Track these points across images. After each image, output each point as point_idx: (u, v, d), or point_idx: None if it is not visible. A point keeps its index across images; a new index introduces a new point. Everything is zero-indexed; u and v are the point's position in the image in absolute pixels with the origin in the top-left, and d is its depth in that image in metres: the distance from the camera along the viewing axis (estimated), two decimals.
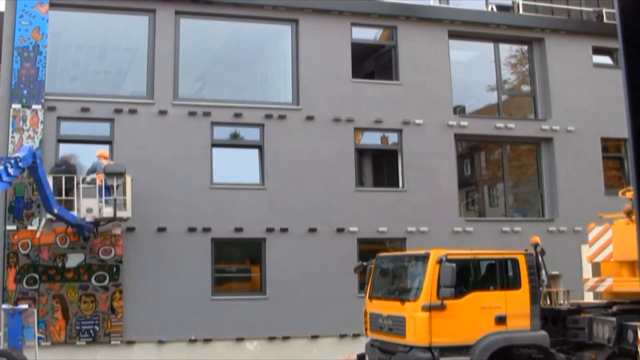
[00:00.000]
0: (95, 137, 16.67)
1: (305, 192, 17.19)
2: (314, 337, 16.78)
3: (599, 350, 11.64)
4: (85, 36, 17.86)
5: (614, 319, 11.46)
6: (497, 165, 20.48)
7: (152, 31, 17.02)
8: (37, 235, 15.10)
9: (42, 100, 15.90)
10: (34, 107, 15.82)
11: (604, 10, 20.91)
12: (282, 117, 17.42)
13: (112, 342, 15.57)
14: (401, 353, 11.10)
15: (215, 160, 16.98)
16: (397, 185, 18.29)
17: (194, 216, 16.41)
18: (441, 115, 18.50)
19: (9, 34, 16.08)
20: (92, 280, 15.61)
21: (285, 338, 16.60)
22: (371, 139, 18.89)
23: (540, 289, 12.03)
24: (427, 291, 10.84)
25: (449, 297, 10.70)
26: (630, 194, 13.32)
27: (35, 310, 14.58)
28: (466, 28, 19.31)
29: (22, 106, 15.79)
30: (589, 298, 14.19)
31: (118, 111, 16.38)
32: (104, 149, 15.88)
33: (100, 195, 14.77)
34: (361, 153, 18.64)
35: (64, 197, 14.70)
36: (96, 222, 15.13)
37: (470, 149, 20.73)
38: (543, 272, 12.08)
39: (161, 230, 16.22)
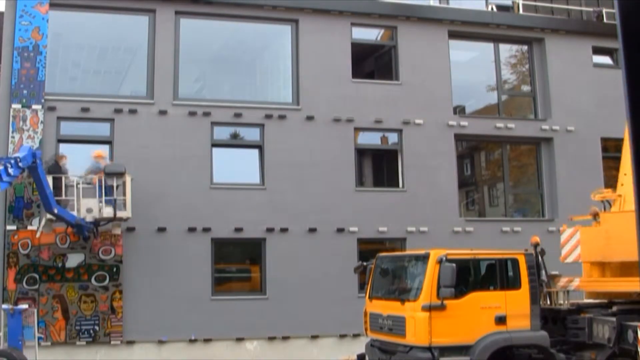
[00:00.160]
0: (95, 137, 16.67)
1: (305, 192, 17.19)
2: (314, 337, 16.78)
3: (599, 350, 11.64)
4: (85, 36, 17.86)
5: (614, 319, 11.46)
6: (497, 165, 20.48)
7: (152, 31, 17.02)
8: (37, 235, 15.10)
9: (42, 100, 15.90)
10: (34, 107, 15.82)
11: (604, 10, 20.92)
12: (282, 117, 17.42)
13: (112, 342, 15.57)
14: (401, 353, 11.09)
15: (215, 160, 16.98)
16: (397, 185, 18.29)
17: (194, 216, 16.41)
18: (441, 115, 18.51)
19: (9, 34, 16.08)
20: (92, 280, 15.61)
21: (285, 338, 16.60)
22: (371, 139, 18.89)
23: (541, 288, 12.04)
24: (427, 291, 10.84)
25: (449, 297, 10.69)
26: (599, 196, 13.58)
27: (35, 310, 14.56)
28: (466, 28, 19.31)
29: (22, 106, 15.79)
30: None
31: (118, 111, 16.39)
32: (100, 150, 15.82)
33: (100, 195, 14.78)
34: (361, 153, 18.65)
35: (64, 196, 14.71)
36: (96, 222, 15.13)
37: (470, 149, 20.74)
38: (543, 272, 12.08)
39: (161, 230, 16.22)
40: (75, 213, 14.62)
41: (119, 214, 14.90)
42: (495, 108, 20.14)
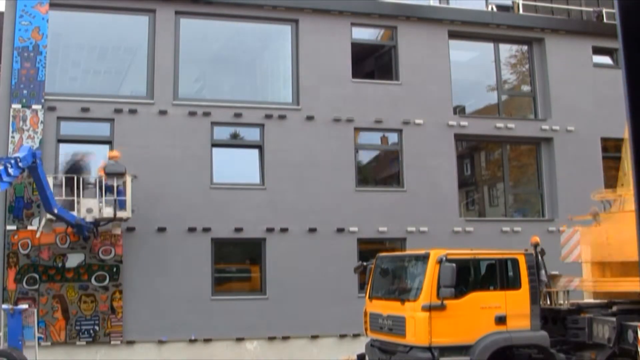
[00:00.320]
0: (95, 137, 16.67)
1: (305, 192, 17.19)
2: (314, 337, 16.78)
3: (599, 350, 11.64)
4: (85, 36, 17.86)
5: (614, 319, 11.47)
6: (497, 165, 20.48)
7: (152, 31, 17.02)
8: (37, 235, 15.10)
9: (42, 100, 15.90)
10: (34, 107, 15.82)
11: (604, 10, 20.92)
12: (282, 117, 17.42)
13: (112, 342, 15.57)
14: (401, 353, 11.10)
15: (215, 160, 16.98)
16: (397, 185, 18.29)
17: (194, 216, 16.41)
18: (441, 115, 18.50)
19: (9, 34, 16.08)
20: (92, 280, 15.61)
21: (285, 338, 16.60)
22: (371, 139, 18.89)
23: (541, 288, 12.04)
24: (427, 291, 10.84)
25: (449, 297, 10.69)
26: (599, 197, 13.62)
27: (35, 310, 14.56)
28: (466, 28, 19.31)
29: (22, 106, 15.79)
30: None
31: (118, 111, 16.38)
32: (114, 150, 15.69)
33: (102, 196, 14.78)
34: (361, 153, 18.65)
35: (75, 197, 14.72)
36: (96, 222, 15.13)
37: (470, 149, 20.73)
38: (543, 272, 12.08)
39: (161, 230, 16.22)
40: (75, 213, 14.62)
41: (119, 214, 14.90)
42: (495, 108, 20.14)
